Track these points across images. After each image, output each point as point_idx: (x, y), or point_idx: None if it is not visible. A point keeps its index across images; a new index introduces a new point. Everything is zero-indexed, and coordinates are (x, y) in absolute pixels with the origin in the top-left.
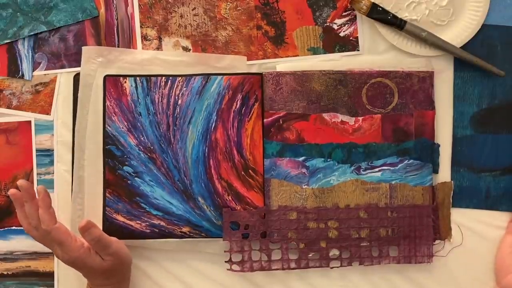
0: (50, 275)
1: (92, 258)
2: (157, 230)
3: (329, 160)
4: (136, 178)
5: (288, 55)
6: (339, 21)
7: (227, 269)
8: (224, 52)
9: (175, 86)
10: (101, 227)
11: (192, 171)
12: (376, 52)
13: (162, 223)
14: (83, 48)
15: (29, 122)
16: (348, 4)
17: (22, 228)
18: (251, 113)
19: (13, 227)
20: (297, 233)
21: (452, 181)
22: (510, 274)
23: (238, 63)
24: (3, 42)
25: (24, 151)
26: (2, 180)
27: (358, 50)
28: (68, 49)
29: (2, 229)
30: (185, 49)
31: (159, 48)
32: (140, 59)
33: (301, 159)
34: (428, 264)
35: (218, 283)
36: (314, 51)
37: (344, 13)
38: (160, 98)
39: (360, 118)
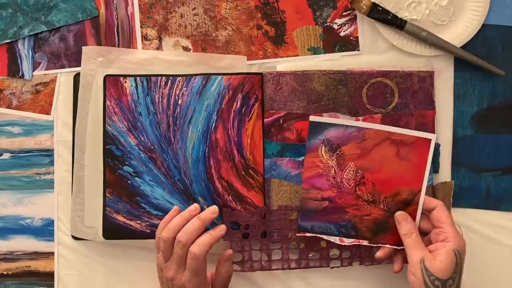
0: (50, 275)
1: None
2: None
3: None
4: (136, 178)
5: (288, 55)
6: (339, 21)
7: None
8: (224, 52)
9: (175, 86)
10: (101, 227)
11: (192, 171)
12: (376, 52)
13: None
14: (83, 48)
15: (429, 140)
16: (348, 4)
17: (22, 228)
18: (251, 113)
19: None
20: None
21: (453, 181)
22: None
23: (238, 63)
24: (3, 42)
25: (415, 169)
26: (382, 192)
27: (358, 50)
28: (68, 49)
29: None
30: (185, 49)
31: (159, 48)
32: (140, 59)
33: (301, 159)
34: None
35: None
36: (314, 51)
37: (344, 13)
38: (160, 98)
39: (361, 118)
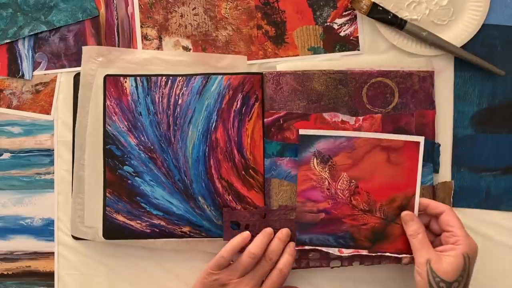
0: (50, 275)
1: None
2: (157, 230)
3: None
4: (136, 178)
5: (288, 55)
6: (339, 21)
7: None
8: (224, 51)
9: (176, 86)
10: (101, 227)
11: (193, 170)
12: (377, 52)
13: (163, 223)
14: (84, 48)
15: (418, 143)
16: (349, 4)
17: (22, 228)
18: (252, 112)
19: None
20: None
21: (453, 181)
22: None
23: (238, 63)
24: (3, 42)
25: (408, 173)
26: (378, 200)
27: (359, 50)
28: (68, 49)
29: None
30: (186, 48)
31: (159, 47)
32: (140, 59)
33: None
34: None
35: None
36: (314, 50)
37: (344, 13)
38: (160, 98)
39: (361, 118)
